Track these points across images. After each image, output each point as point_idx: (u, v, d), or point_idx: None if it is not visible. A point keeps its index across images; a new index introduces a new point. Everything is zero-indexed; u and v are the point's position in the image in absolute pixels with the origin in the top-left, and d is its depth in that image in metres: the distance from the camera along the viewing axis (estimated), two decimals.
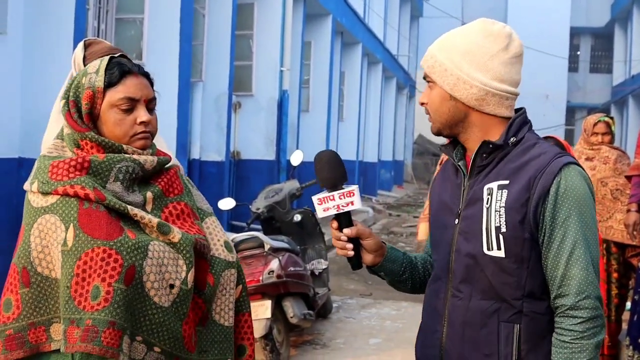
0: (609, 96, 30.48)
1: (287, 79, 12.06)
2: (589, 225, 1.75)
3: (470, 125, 1.86)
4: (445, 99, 1.84)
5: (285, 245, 5.55)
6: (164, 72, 8.23)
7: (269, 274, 5.06)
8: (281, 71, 11.80)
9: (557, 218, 1.73)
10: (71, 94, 1.92)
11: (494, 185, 1.79)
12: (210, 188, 9.98)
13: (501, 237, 1.76)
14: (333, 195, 1.89)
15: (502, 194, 1.77)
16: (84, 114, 1.90)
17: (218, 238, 2.03)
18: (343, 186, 1.90)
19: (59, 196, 1.81)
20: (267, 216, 6.18)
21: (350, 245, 1.94)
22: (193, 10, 8.64)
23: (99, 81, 1.90)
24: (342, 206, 1.89)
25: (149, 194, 1.92)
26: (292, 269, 5.30)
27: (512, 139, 1.82)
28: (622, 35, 30.13)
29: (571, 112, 31.50)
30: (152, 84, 2.03)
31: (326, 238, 6.44)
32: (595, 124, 5.24)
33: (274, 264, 5.12)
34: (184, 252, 1.86)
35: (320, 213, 1.92)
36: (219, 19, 10.05)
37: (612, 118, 5.33)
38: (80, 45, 2.84)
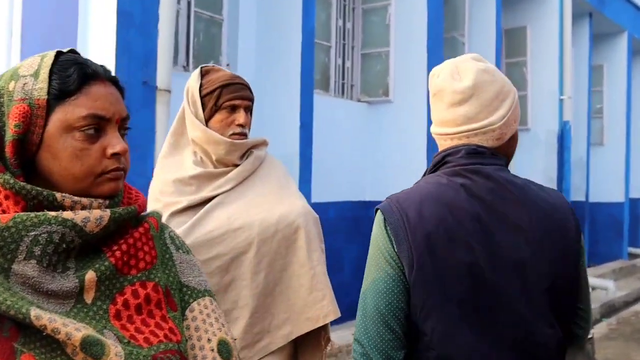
0: None
1: (569, 109, 10.68)
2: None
3: None
4: None
5: None
6: (412, 109, 7.57)
7: None
8: (561, 100, 10.47)
9: None
10: None
11: None
12: None
13: None
14: None
15: None
16: (7, 141, 1.20)
17: (209, 337, 1.25)
18: None
19: None
20: None
21: None
22: (442, 38, 7.87)
23: (40, 89, 1.20)
24: None
25: (90, 275, 1.16)
26: None
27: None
28: None
29: None
30: (122, 95, 1.29)
31: None
32: None
33: None
34: None
35: None
36: (481, 47, 9.15)
37: None
38: (197, 73, 2.21)
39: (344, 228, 7.48)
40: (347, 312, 8.70)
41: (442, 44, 7.86)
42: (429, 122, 7.77)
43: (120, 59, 4.62)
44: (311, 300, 2.07)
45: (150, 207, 2.14)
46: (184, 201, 2.11)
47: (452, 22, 8.86)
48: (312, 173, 6.45)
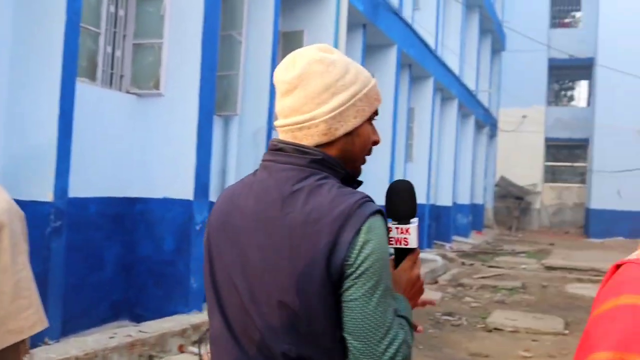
0: None
1: None
2: None
3: None
4: None
5: None
6: (183, 103, 7.39)
7: None
8: None
9: None
10: None
11: None
12: None
13: None
14: (392, 227, 1.77)
15: None
16: None
17: None
18: (410, 222, 1.77)
19: None
20: None
21: None
22: (218, 35, 7.78)
23: None
24: (397, 241, 1.77)
25: None
26: None
27: None
28: None
29: None
30: None
31: None
32: None
33: None
34: None
35: None
36: (258, 47, 9.19)
37: None
38: None
39: (105, 225, 7.14)
40: (110, 311, 8.35)
41: (217, 41, 7.77)
42: (201, 117, 7.68)
43: None
44: (14, 310, 1.83)
45: None
46: None
47: (231, 21, 8.80)
48: (71, 165, 6.07)
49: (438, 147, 19.24)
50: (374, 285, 1.54)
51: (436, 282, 13.19)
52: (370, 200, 1.60)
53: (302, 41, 10.72)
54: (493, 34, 26.64)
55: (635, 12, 27.72)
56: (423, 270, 13.64)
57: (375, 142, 1.76)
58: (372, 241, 1.54)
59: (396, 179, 13.66)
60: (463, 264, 16.32)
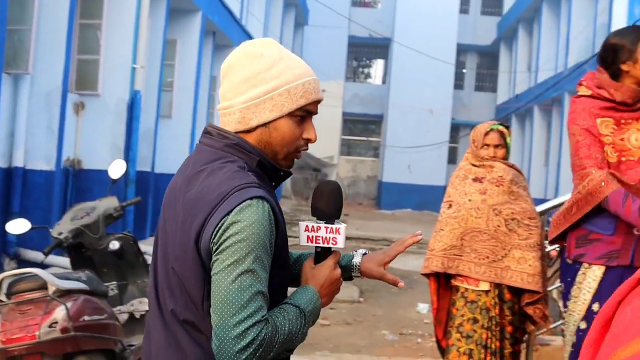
0: (493, 114, 30.60)
1: (141, 79, 10.69)
2: None
3: None
4: None
5: (82, 286, 4.24)
6: None
7: (50, 326, 3.80)
8: (133, 69, 10.41)
9: None
10: None
11: None
12: (38, 202, 8.52)
13: None
14: (321, 226, 1.88)
15: None
16: None
17: None
18: (334, 222, 1.88)
19: None
20: (74, 243, 4.82)
21: None
22: None
23: None
24: (325, 240, 1.88)
25: None
26: (87, 317, 4.02)
27: None
28: (507, 54, 30.38)
29: (455, 129, 31.33)
30: None
31: None
32: (486, 134, 4.17)
33: (59, 313, 3.85)
34: None
35: (302, 240, 1.90)
36: (54, 6, 8.60)
37: (507, 127, 4.28)
38: None
39: None
40: None
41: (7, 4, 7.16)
42: None
43: None
44: None
45: None
46: None
47: None
48: None
49: None
50: (233, 263, 1.65)
51: None
52: (256, 186, 1.72)
53: (102, 0, 10.18)
54: (297, 8, 27.00)
55: None
56: None
57: (308, 141, 1.87)
58: (240, 222, 1.66)
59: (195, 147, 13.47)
60: None
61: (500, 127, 4.17)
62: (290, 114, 1.80)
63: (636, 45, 3.40)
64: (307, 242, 1.88)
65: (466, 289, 4.03)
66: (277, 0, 23.64)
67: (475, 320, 3.99)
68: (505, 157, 4.17)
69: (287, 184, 28.60)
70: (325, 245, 1.88)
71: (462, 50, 31.97)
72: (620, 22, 14.95)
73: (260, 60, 1.79)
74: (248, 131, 1.80)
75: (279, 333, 1.68)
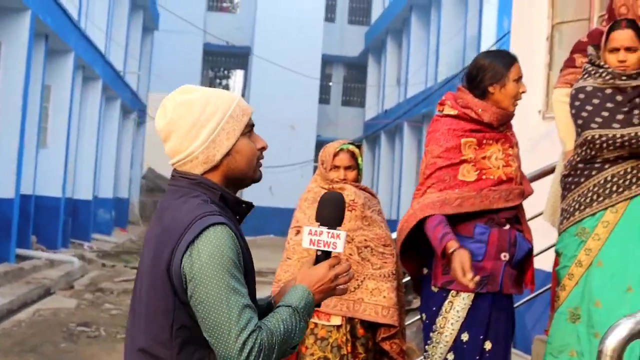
0: (362, 131, 31.21)
1: None
2: None
3: None
4: None
5: None
6: None
7: None
8: None
9: None
10: None
11: None
12: None
13: None
14: (323, 231, 2.21)
15: None
16: None
17: None
18: (336, 228, 2.22)
19: None
20: None
21: None
22: None
23: None
24: (326, 244, 2.22)
25: None
26: None
27: None
28: (375, 66, 30.97)
29: (321, 146, 31.31)
30: None
31: None
32: (335, 154, 4.14)
33: None
34: None
35: (305, 242, 2.25)
36: None
37: (358, 146, 4.26)
38: None
39: None
40: None
41: None
42: None
43: None
44: None
45: None
46: None
47: None
48: None
49: (78, 133, 18.50)
50: (212, 286, 1.94)
51: (72, 288, 12.64)
52: (217, 214, 2.03)
53: None
54: (146, 11, 26.47)
55: (291, 2, 29.63)
56: (57, 273, 13.09)
57: (263, 149, 2.21)
58: (205, 248, 1.96)
59: (25, 167, 12.80)
60: (104, 265, 15.92)
61: (351, 147, 4.17)
62: (242, 134, 2.14)
63: (508, 71, 3.67)
64: (310, 244, 2.23)
65: (316, 325, 3.97)
66: (123, 2, 23.15)
67: None
68: (357, 179, 4.17)
69: (134, 207, 27.91)
70: (326, 248, 2.21)
71: (328, 61, 32.45)
72: (490, 34, 15.65)
73: (194, 105, 2.11)
74: (215, 167, 2.12)
75: (275, 335, 1.98)
